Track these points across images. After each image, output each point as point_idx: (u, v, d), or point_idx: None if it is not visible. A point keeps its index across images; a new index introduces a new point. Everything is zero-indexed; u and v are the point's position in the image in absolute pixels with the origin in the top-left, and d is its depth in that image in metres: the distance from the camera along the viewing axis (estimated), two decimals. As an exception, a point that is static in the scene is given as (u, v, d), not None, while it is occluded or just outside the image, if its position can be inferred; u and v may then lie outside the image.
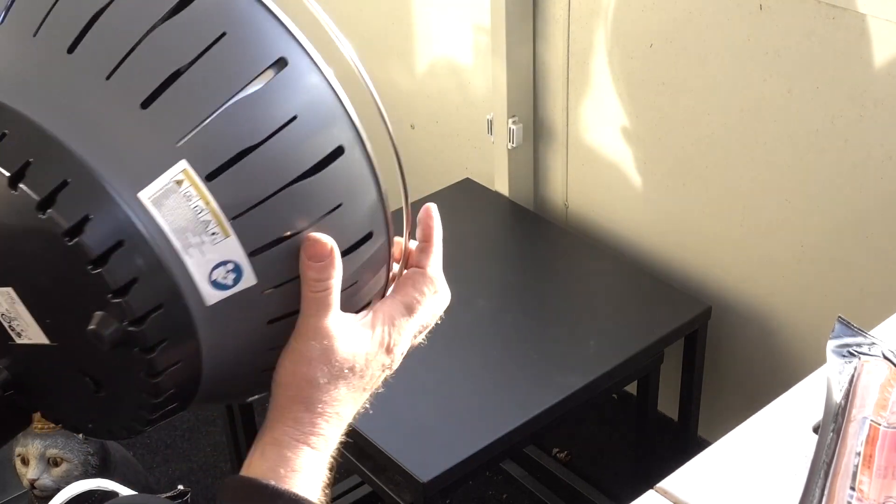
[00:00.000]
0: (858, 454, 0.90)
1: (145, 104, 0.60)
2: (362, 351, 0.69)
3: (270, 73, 0.63)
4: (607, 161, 2.05)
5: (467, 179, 2.24)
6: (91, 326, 0.59)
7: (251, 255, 0.62)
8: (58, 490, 1.56)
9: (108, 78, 0.60)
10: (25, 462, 1.82)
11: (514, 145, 2.12)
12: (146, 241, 0.59)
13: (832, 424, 0.94)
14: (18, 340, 0.65)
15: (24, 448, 1.82)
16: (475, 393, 1.69)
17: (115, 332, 0.59)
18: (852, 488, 0.87)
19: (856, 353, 1.00)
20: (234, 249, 0.62)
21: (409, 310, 0.72)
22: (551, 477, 2.18)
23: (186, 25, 0.61)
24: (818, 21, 1.60)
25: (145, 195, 0.59)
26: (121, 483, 1.54)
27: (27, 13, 0.63)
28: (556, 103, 2.08)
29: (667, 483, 0.97)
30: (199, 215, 0.60)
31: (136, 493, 1.31)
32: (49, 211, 0.58)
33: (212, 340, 0.64)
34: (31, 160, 0.58)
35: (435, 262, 0.74)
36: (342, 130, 0.65)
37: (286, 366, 0.68)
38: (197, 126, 0.60)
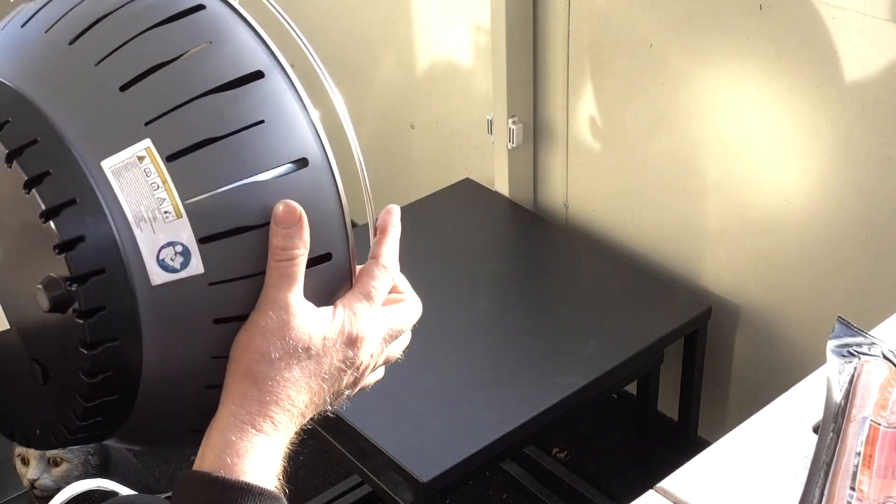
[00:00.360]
0: (858, 454, 0.90)
1: (124, 87, 0.65)
2: (319, 333, 0.68)
3: (246, 81, 0.67)
4: (607, 161, 2.05)
5: (467, 179, 2.24)
6: (38, 285, 0.62)
7: (201, 241, 0.64)
8: (58, 490, 1.56)
9: (96, 64, 0.65)
10: (25, 462, 1.82)
11: (514, 145, 2.12)
12: (99, 205, 0.63)
13: (832, 424, 0.94)
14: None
15: (24, 448, 1.82)
16: (475, 393, 1.70)
17: (58, 291, 0.62)
18: (852, 488, 0.87)
19: (856, 353, 1.00)
20: (184, 232, 0.64)
21: (367, 297, 0.70)
22: (551, 477, 2.18)
23: (176, 31, 0.67)
24: (818, 21, 1.60)
25: (107, 164, 0.64)
26: (121, 483, 1.54)
27: (46, 17, 0.69)
28: (556, 103, 2.09)
29: (667, 483, 0.97)
30: (155, 192, 0.64)
31: (136, 493, 1.30)
32: (15, 162, 0.63)
33: (153, 326, 0.65)
34: (9, 119, 0.64)
35: (389, 252, 0.73)
36: (307, 143, 0.68)
37: (240, 338, 0.67)
38: (166, 111, 0.64)
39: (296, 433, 0.70)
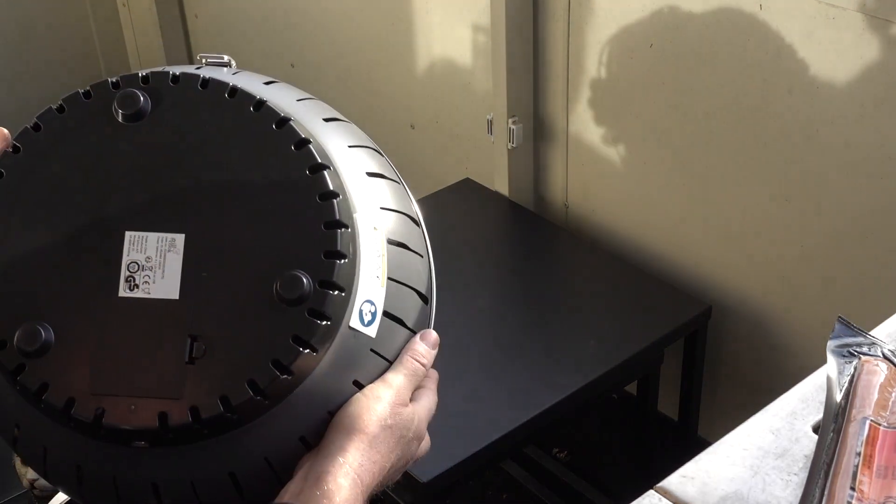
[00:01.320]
0: (858, 454, 0.90)
1: (370, 174, 0.82)
2: (414, 422, 0.78)
3: (418, 224, 0.82)
4: (607, 161, 2.05)
5: (467, 179, 2.24)
6: (295, 271, 0.71)
7: (384, 314, 0.75)
8: (57, 490, 1.56)
9: (349, 147, 0.82)
10: (26, 462, 1.82)
11: (514, 145, 2.12)
12: (355, 234, 0.74)
13: (832, 424, 0.94)
14: (125, 294, 0.72)
15: (24, 448, 1.81)
16: (475, 393, 1.69)
17: (304, 289, 0.70)
18: (852, 488, 0.87)
19: (856, 354, 1.00)
20: (379, 298, 0.75)
21: (434, 404, 0.82)
22: (551, 477, 2.19)
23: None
24: (818, 21, 1.60)
25: (361, 217, 0.76)
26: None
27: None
28: (556, 103, 2.08)
29: (667, 483, 0.97)
30: (377, 258, 0.75)
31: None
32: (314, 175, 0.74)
33: (328, 360, 0.73)
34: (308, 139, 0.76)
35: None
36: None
37: (360, 400, 0.74)
38: (391, 209, 0.79)
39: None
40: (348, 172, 0.77)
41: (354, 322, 0.73)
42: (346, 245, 0.72)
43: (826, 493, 0.88)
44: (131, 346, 0.72)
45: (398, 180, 0.83)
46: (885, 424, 0.92)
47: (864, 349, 1.01)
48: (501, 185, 2.18)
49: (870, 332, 1.05)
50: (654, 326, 1.82)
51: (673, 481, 0.97)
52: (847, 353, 1.01)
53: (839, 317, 1.06)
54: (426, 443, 0.82)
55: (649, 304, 1.89)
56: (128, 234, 0.72)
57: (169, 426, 0.70)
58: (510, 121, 2.10)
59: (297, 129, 0.75)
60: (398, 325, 0.77)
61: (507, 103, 2.08)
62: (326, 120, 0.81)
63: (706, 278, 1.97)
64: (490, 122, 2.15)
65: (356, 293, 0.73)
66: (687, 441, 2.02)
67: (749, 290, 1.92)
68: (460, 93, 2.27)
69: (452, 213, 2.16)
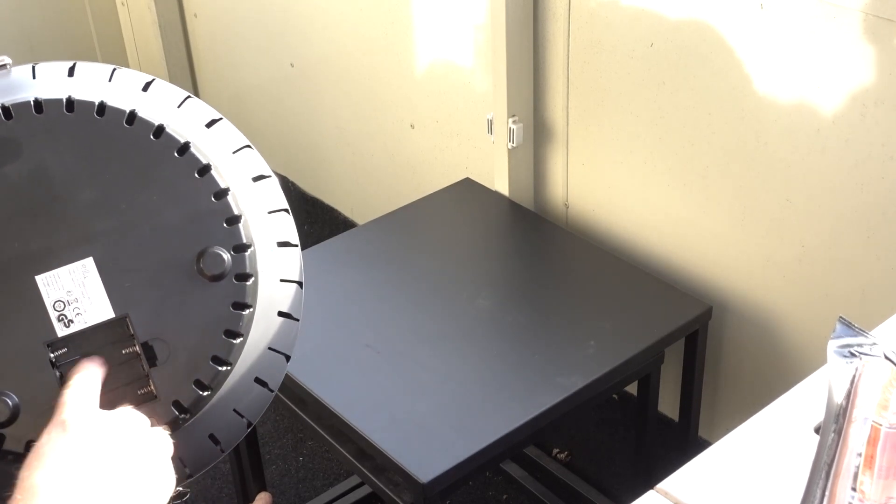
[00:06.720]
0: (860, 455, 0.89)
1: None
2: None
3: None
4: (607, 161, 2.05)
5: (467, 179, 2.24)
6: (213, 249, 0.75)
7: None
8: None
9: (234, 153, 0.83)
10: None
11: (514, 145, 2.12)
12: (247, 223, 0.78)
13: (833, 425, 0.94)
14: (64, 332, 0.73)
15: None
16: (475, 393, 1.69)
17: (223, 262, 0.76)
18: (853, 489, 0.87)
19: (857, 354, 1.00)
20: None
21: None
22: (551, 477, 2.19)
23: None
24: (818, 21, 1.60)
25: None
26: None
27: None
28: (556, 103, 2.08)
29: (667, 483, 0.97)
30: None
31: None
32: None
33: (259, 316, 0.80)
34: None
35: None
36: None
37: None
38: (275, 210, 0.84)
39: None
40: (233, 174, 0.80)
41: (264, 263, 0.79)
42: (248, 234, 0.78)
43: (827, 493, 0.88)
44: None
45: (271, 174, 0.85)
46: (887, 425, 0.92)
47: (866, 349, 1.01)
48: (501, 185, 2.18)
49: (871, 333, 1.05)
50: (654, 326, 1.81)
51: (673, 481, 0.97)
52: (848, 354, 1.00)
53: (840, 317, 1.05)
54: None
55: (649, 304, 1.89)
56: (38, 278, 0.74)
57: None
58: (510, 121, 2.09)
59: (176, 136, 0.77)
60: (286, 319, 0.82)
61: (507, 103, 2.08)
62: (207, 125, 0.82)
63: (706, 278, 1.97)
64: (490, 122, 2.15)
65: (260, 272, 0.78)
66: (687, 441, 2.02)
67: (749, 290, 1.92)
68: (460, 93, 2.27)
69: (452, 213, 2.16)
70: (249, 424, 0.82)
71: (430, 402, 1.67)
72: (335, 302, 1.90)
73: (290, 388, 1.74)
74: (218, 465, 2.23)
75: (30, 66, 0.82)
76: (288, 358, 0.82)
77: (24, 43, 2.95)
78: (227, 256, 0.75)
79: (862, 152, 1.63)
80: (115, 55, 3.11)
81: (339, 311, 1.87)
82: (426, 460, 1.56)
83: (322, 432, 1.76)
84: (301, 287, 0.83)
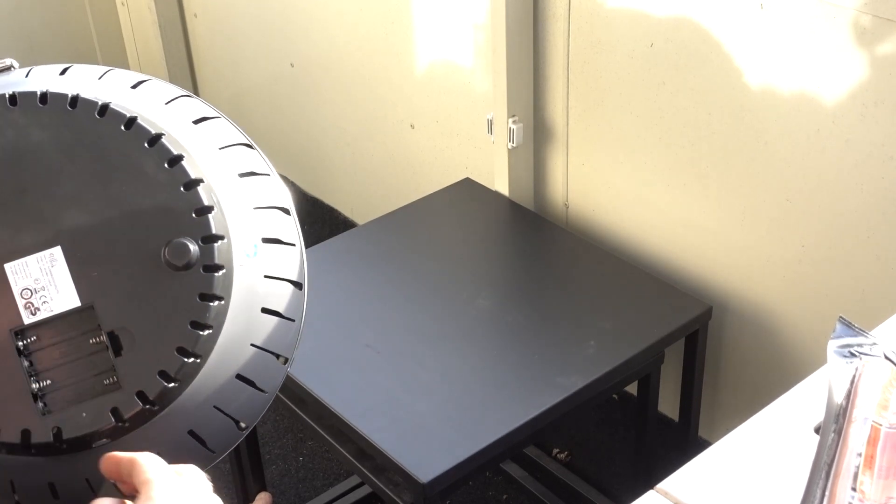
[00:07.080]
0: (860, 455, 0.89)
1: (243, 175, 0.85)
2: None
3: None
4: (607, 161, 2.05)
5: (467, 179, 2.24)
6: (178, 239, 0.74)
7: (262, 310, 0.80)
8: None
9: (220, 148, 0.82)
10: None
11: (514, 145, 2.12)
12: (221, 212, 0.78)
13: (833, 425, 0.94)
14: (30, 319, 0.74)
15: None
16: (475, 393, 1.69)
17: (190, 252, 0.74)
18: (853, 489, 0.87)
19: (857, 354, 1.00)
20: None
21: None
22: (551, 477, 2.18)
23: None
24: (818, 21, 1.60)
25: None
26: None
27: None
28: (556, 103, 2.08)
29: (667, 483, 0.97)
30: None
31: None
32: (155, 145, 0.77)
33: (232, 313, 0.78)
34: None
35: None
36: None
37: None
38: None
39: None
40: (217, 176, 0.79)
41: (241, 256, 0.78)
42: (222, 226, 0.77)
43: (827, 493, 0.88)
44: (61, 362, 0.75)
45: (269, 172, 0.85)
46: (887, 425, 0.92)
47: (866, 349, 1.01)
48: (501, 185, 2.18)
49: (871, 333, 1.05)
50: (654, 326, 1.81)
51: (673, 481, 0.97)
52: (848, 354, 1.00)
53: (840, 317, 1.05)
54: None
55: (649, 304, 1.89)
56: (6, 266, 0.74)
57: (124, 417, 0.73)
58: (510, 121, 2.09)
59: (147, 127, 0.77)
60: (275, 317, 0.81)
61: (507, 103, 2.08)
62: (195, 122, 0.82)
63: (706, 278, 1.97)
64: (490, 122, 2.15)
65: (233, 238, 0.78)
66: (687, 441, 2.02)
67: (749, 290, 1.92)
68: (460, 93, 2.27)
69: (452, 213, 2.16)
70: (242, 426, 0.81)
71: (430, 402, 1.67)
72: (335, 302, 1.89)
73: (290, 388, 1.74)
74: (218, 465, 2.23)
75: (28, 68, 0.83)
76: (286, 360, 0.81)
77: (24, 43, 2.95)
78: (193, 247, 0.74)
79: (862, 152, 1.63)
80: (115, 55, 3.11)
81: (339, 311, 1.87)
82: (426, 460, 1.56)
83: (322, 432, 1.76)
84: (299, 288, 0.81)
